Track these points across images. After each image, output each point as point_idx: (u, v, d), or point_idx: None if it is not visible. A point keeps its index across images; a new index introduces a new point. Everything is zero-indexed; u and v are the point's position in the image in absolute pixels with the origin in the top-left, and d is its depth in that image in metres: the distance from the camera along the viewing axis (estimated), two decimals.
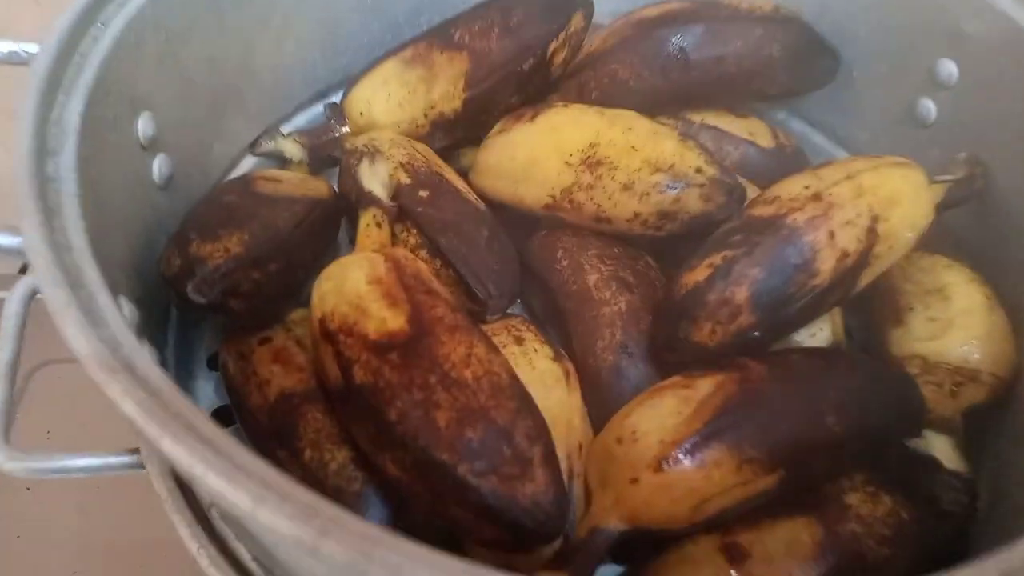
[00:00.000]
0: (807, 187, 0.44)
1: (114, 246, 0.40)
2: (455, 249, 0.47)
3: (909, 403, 0.43)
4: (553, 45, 0.54)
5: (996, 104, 0.51)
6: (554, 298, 0.49)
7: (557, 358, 0.45)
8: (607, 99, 0.55)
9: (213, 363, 0.50)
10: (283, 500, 0.25)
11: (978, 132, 0.52)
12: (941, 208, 0.48)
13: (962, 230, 0.53)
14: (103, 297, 0.32)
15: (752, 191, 0.51)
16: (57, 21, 0.39)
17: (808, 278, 0.42)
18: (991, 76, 0.51)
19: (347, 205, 0.52)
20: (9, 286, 0.39)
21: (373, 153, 0.51)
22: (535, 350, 0.45)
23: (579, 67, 0.57)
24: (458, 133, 0.57)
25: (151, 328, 0.44)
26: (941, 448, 0.44)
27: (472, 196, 0.52)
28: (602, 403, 0.44)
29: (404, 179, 0.50)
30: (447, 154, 0.57)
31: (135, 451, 0.40)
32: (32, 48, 0.42)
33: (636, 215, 0.48)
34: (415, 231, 0.48)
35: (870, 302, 0.50)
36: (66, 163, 0.36)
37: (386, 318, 0.38)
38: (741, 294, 0.42)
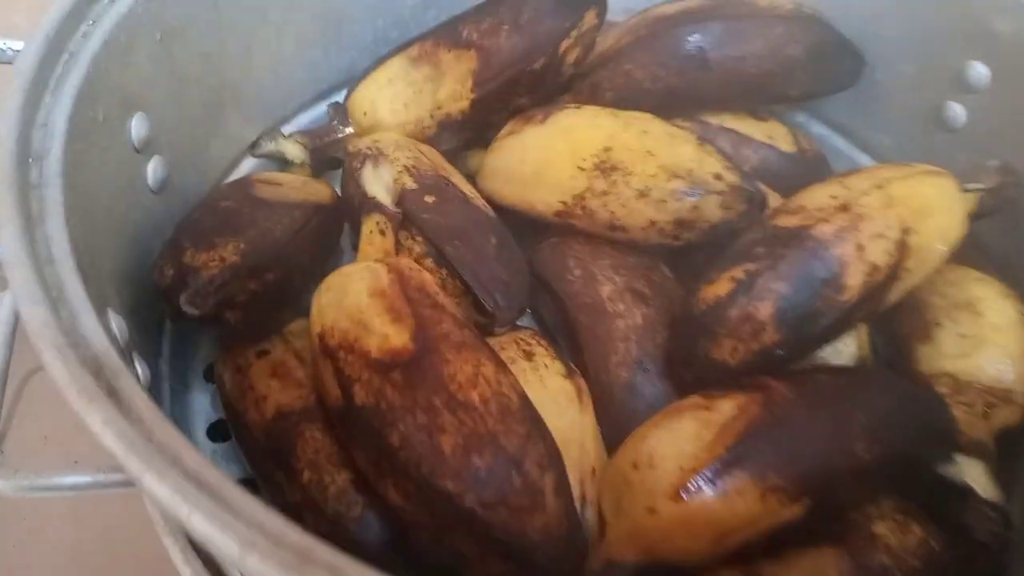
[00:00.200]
0: (834, 197, 0.41)
1: (104, 255, 0.38)
2: (462, 258, 0.45)
3: (940, 426, 0.41)
4: (565, 43, 0.52)
5: None
6: (565, 310, 0.47)
7: (569, 375, 0.43)
8: (621, 100, 0.53)
9: (210, 373, 0.48)
10: (275, 545, 0.23)
11: (1010, 138, 0.50)
12: (971, 218, 0.46)
13: (991, 241, 0.51)
14: (87, 314, 0.30)
15: (772, 198, 0.49)
16: (44, 18, 0.37)
17: (835, 294, 0.40)
18: None
19: (350, 209, 0.49)
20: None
21: (377, 156, 0.48)
22: (546, 366, 0.42)
23: (592, 67, 0.55)
24: (466, 134, 0.55)
25: (144, 340, 0.42)
26: (973, 474, 0.42)
27: (480, 201, 0.49)
28: (616, 422, 0.42)
29: (409, 184, 0.48)
30: (454, 156, 0.55)
31: None
32: (18, 45, 0.40)
33: (652, 223, 0.46)
34: (420, 239, 0.46)
35: (895, 316, 0.48)
36: (51, 168, 0.34)
37: (389, 334, 0.35)
38: (765, 310, 0.39)
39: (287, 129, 0.57)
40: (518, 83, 0.53)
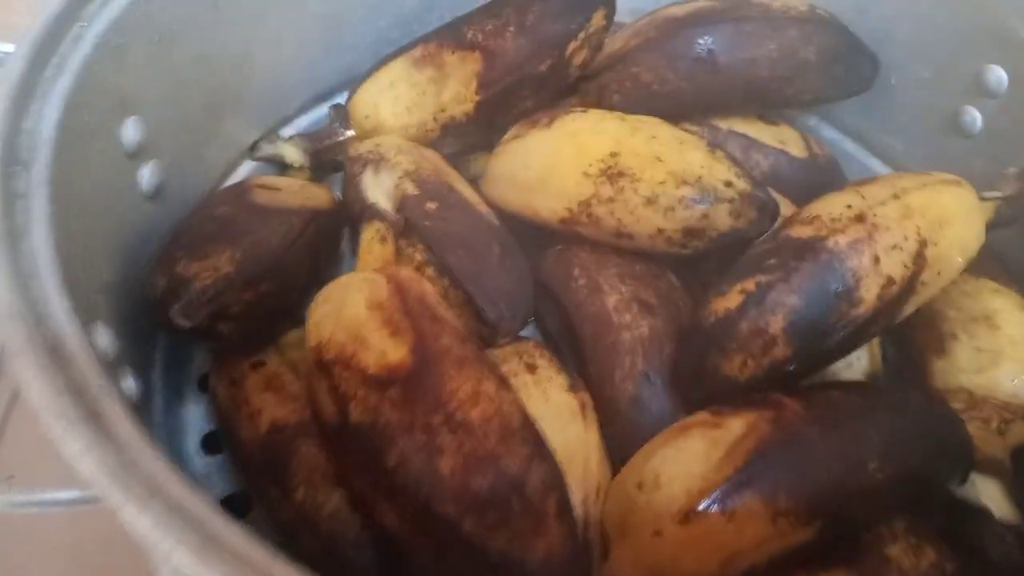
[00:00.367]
0: (850, 206, 0.40)
1: (95, 264, 0.37)
2: (464, 267, 0.44)
3: (956, 444, 0.40)
4: (572, 45, 0.51)
5: None
6: (569, 319, 0.46)
7: (573, 389, 0.41)
8: (629, 104, 0.52)
9: (205, 384, 0.47)
10: None
11: None
12: (988, 227, 0.44)
13: (1008, 250, 0.49)
14: (72, 331, 0.28)
15: (784, 205, 0.48)
16: (33, 21, 0.36)
17: (850, 307, 0.38)
18: None
19: (350, 215, 0.48)
20: None
21: (378, 161, 0.47)
22: (549, 379, 0.41)
23: (599, 69, 0.54)
24: (470, 138, 0.54)
25: (136, 351, 0.41)
26: (989, 493, 0.40)
27: (483, 208, 0.48)
28: (621, 437, 0.41)
29: (410, 189, 0.46)
30: (458, 160, 0.54)
31: None
32: (8, 48, 0.38)
33: (660, 231, 0.45)
34: (421, 247, 0.45)
35: (909, 327, 0.46)
36: (38, 177, 0.33)
37: (387, 349, 0.34)
38: (776, 324, 0.38)
39: (287, 132, 0.55)
40: (523, 86, 0.51)
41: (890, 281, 0.39)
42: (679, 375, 0.41)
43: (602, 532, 0.37)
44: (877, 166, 0.59)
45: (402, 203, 0.46)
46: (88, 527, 0.60)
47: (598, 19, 0.51)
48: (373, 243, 0.43)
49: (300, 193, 0.47)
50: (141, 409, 0.39)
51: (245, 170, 0.53)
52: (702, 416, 0.38)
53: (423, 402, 0.32)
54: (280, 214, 0.44)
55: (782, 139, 0.54)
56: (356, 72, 0.55)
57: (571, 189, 0.46)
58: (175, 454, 0.44)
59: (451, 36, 0.52)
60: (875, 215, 0.39)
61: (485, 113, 0.52)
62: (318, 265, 0.46)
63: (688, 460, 0.35)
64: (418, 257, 0.45)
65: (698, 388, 0.40)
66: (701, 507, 0.34)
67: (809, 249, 0.39)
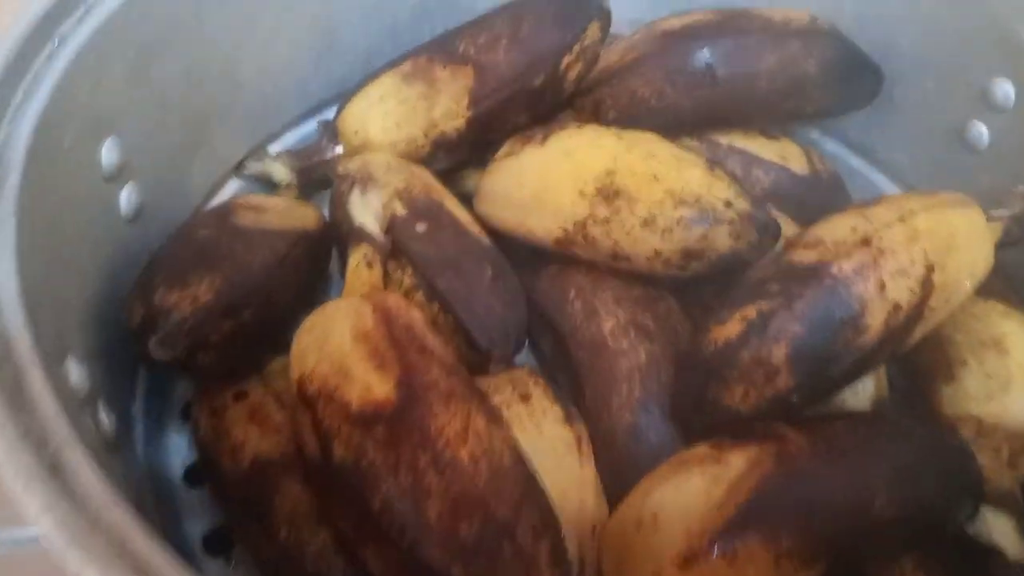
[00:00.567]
0: (854, 229, 0.39)
1: (69, 293, 0.36)
2: (455, 291, 0.42)
3: (965, 478, 0.38)
4: (567, 59, 0.50)
5: None
6: (564, 344, 0.44)
7: (568, 421, 0.40)
8: (626, 119, 0.50)
9: (189, 412, 0.45)
10: None
11: None
12: (997, 248, 0.43)
13: (1018, 271, 0.48)
14: (35, 373, 0.27)
15: (785, 223, 0.46)
16: (1, 41, 0.35)
17: (855, 335, 0.37)
18: None
19: (338, 235, 0.47)
20: None
21: (366, 180, 0.46)
22: (543, 411, 0.40)
23: (595, 83, 0.52)
24: (462, 154, 0.52)
25: (115, 381, 0.39)
26: (1000, 528, 0.39)
27: (475, 229, 0.47)
28: (617, 468, 0.40)
29: (400, 210, 0.45)
30: (451, 175, 0.52)
31: None
32: None
33: (657, 253, 0.43)
34: (410, 270, 0.43)
35: (916, 351, 0.45)
36: (5, 206, 0.31)
37: (372, 383, 0.33)
38: (779, 353, 0.37)
39: (274, 148, 0.54)
40: (516, 101, 0.50)
41: (897, 308, 0.37)
42: (678, 405, 0.40)
43: (598, 573, 0.36)
44: (881, 181, 0.58)
45: (391, 224, 0.44)
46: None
47: (593, 31, 0.50)
48: (360, 267, 0.41)
49: (286, 213, 0.46)
50: (120, 442, 0.38)
51: (231, 188, 0.52)
52: (702, 450, 0.37)
53: (409, 441, 0.31)
54: (264, 237, 0.42)
55: (784, 154, 0.53)
56: (346, 86, 0.53)
57: (566, 208, 0.45)
58: (157, 487, 0.42)
59: (442, 50, 0.51)
60: (881, 238, 0.38)
61: (477, 129, 0.50)
62: (305, 288, 0.45)
63: (688, 498, 0.34)
64: (407, 281, 0.43)
65: (698, 419, 0.39)
66: (701, 549, 0.32)
67: (812, 275, 0.38)
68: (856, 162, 0.58)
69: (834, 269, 0.37)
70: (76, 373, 0.32)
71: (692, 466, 0.35)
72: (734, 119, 0.52)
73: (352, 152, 0.51)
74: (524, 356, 0.48)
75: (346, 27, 0.55)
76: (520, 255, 0.47)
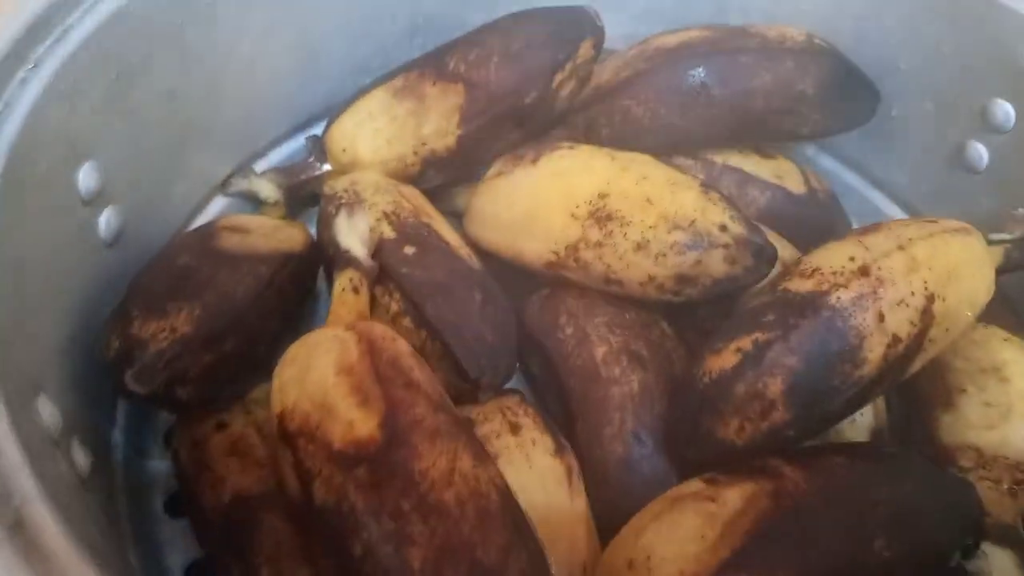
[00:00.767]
0: (852, 258, 0.38)
1: (42, 325, 0.35)
2: (444, 319, 0.41)
3: (966, 514, 0.37)
4: (559, 76, 0.49)
5: None
6: (556, 371, 0.43)
7: (559, 452, 0.39)
8: (619, 138, 0.50)
9: (171, 438, 0.44)
10: None
11: None
12: (997, 273, 0.42)
13: (1018, 295, 0.47)
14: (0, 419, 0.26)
15: (781, 244, 0.45)
16: None
17: (853, 368, 0.36)
18: None
19: (326, 256, 0.46)
20: None
21: (352, 203, 0.45)
22: (533, 442, 0.39)
23: (588, 101, 0.51)
24: (452, 172, 0.51)
25: (92, 412, 0.38)
26: (1001, 566, 0.38)
27: (464, 251, 0.45)
28: (609, 501, 0.39)
29: (388, 233, 0.44)
30: (441, 192, 0.51)
31: None
32: None
33: (651, 278, 0.42)
34: (398, 295, 0.42)
35: (915, 379, 0.44)
36: None
37: (354, 421, 0.32)
38: (775, 387, 0.36)
39: (260, 166, 0.53)
40: (508, 119, 0.49)
41: (896, 340, 0.36)
42: (672, 437, 0.39)
43: None
44: (879, 199, 0.57)
45: (379, 247, 0.43)
46: None
47: (586, 49, 0.49)
48: (346, 293, 0.40)
49: (272, 235, 0.45)
50: (96, 477, 0.36)
51: (217, 207, 0.51)
52: (696, 486, 0.36)
53: (392, 484, 0.30)
54: (247, 262, 0.41)
55: (779, 173, 0.52)
56: (334, 102, 0.52)
57: (557, 231, 0.44)
58: (137, 517, 0.41)
59: (432, 66, 0.50)
60: (879, 268, 0.37)
61: (467, 147, 0.49)
62: (290, 312, 0.44)
63: (681, 538, 0.33)
64: (394, 307, 0.42)
65: (692, 452, 0.38)
66: None
67: (809, 305, 0.37)
68: (853, 180, 0.58)
69: (832, 299, 0.36)
70: (48, 411, 0.31)
71: (686, 503, 0.34)
72: (729, 138, 0.51)
73: (340, 170, 0.50)
74: (513, 377, 0.46)
75: (333, 43, 0.54)
76: (510, 277, 0.46)
